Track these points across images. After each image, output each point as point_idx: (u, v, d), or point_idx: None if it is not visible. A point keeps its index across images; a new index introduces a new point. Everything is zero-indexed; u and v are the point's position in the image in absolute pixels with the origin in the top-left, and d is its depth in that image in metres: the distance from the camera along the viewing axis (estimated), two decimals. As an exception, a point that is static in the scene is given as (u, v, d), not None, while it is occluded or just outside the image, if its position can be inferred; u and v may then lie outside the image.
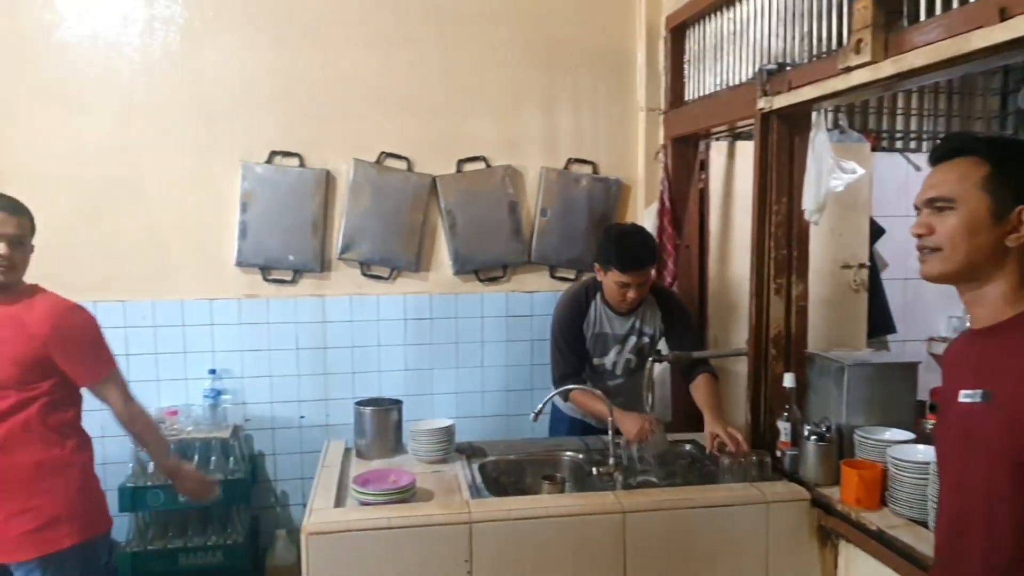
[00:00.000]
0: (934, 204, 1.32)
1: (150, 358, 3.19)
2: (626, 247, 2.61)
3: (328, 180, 3.27)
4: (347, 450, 2.69)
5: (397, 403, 2.70)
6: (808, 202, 2.32)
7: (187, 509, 3.01)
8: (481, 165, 3.39)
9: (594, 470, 2.43)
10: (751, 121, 2.66)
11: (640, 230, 2.80)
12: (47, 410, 2.10)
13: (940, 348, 3.92)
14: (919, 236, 1.34)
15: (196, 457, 3.03)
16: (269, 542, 3.30)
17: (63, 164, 3.09)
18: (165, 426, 3.05)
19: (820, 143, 2.26)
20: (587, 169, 3.48)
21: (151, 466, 2.99)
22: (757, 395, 2.55)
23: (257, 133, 3.21)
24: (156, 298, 3.19)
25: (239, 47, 3.18)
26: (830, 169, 2.20)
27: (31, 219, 2.14)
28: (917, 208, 1.36)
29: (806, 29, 2.40)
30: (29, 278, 2.16)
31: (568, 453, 2.67)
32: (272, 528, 3.32)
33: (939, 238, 1.30)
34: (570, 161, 3.46)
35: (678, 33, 3.34)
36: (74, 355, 2.12)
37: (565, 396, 2.75)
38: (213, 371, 3.20)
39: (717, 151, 3.27)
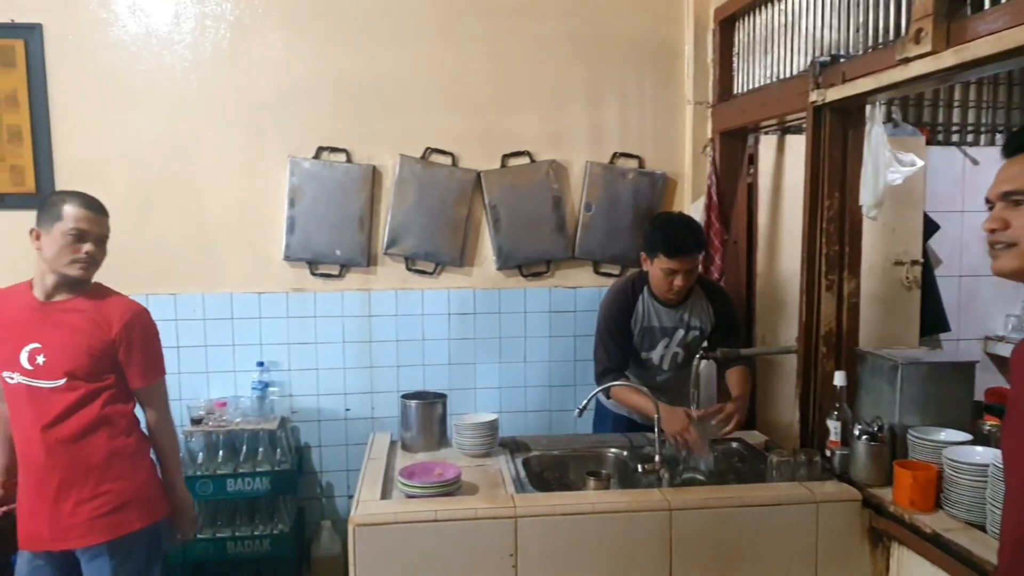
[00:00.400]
0: (1009, 198, 1.28)
1: (200, 350, 3.25)
2: (672, 232, 2.60)
3: (374, 176, 3.30)
4: (392, 443, 2.71)
5: (442, 397, 2.72)
6: (866, 197, 2.26)
7: (236, 499, 3.07)
8: (525, 160, 3.38)
9: (640, 467, 2.41)
10: (802, 114, 2.61)
11: (687, 217, 2.79)
12: (112, 401, 2.18)
13: (997, 347, 3.81)
14: (992, 231, 1.29)
15: (245, 448, 3.08)
16: (314, 532, 3.34)
17: (117, 159, 3.16)
18: (214, 417, 3.12)
19: (876, 136, 2.20)
20: (633, 163, 3.45)
21: (200, 456, 3.06)
22: (806, 393, 2.51)
23: (305, 129, 3.25)
24: (206, 291, 3.25)
25: (287, 43, 3.22)
26: (887, 162, 2.14)
27: (108, 218, 2.23)
28: (989, 202, 1.32)
29: (861, 19, 2.34)
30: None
31: (612, 450, 2.66)
32: (317, 519, 3.37)
33: (1015, 232, 1.26)
34: (616, 155, 3.43)
35: (727, 25, 3.29)
36: (134, 356, 2.19)
37: (609, 392, 2.73)
38: (261, 363, 3.25)
39: (766, 145, 3.22)
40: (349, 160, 3.28)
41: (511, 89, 3.36)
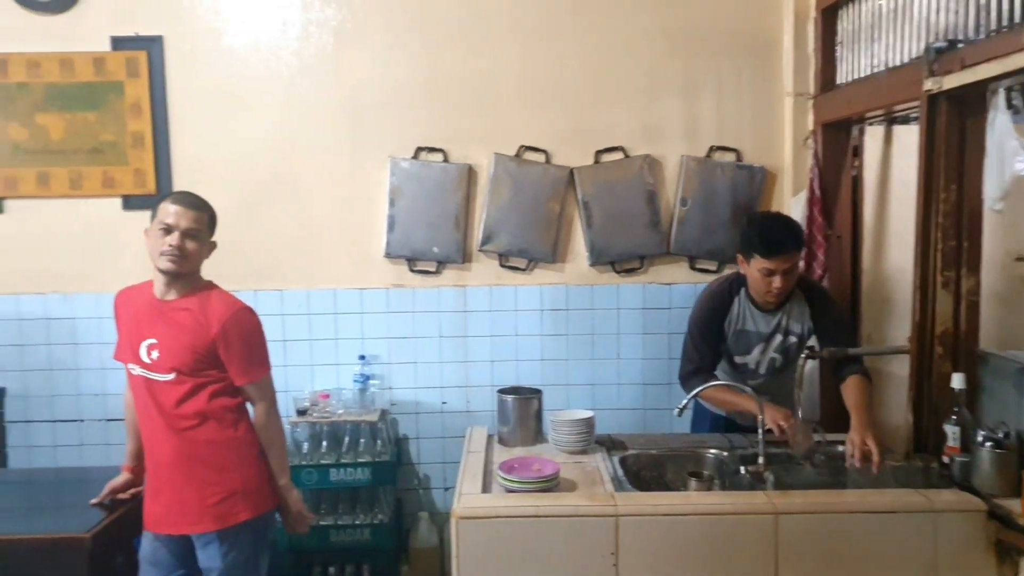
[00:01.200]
0: None
1: (305, 344, 3.38)
2: (769, 230, 2.52)
3: (470, 174, 3.34)
4: (489, 436, 2.75)
5: (537, 392, 2.73)
6: (990, 189, 2.15)
7: (338, 488, 3.17)
8: (619, 155, 3.36)
9: (743, 468, 2.37)
10: (914, 104, 2.50)
11: (784, 216, 2.71)
12: (219, 395, 2.25)
13: None
14: None
15: (347, 438, 3.18)
16: (412, 523, 3.43)
17: (228, 161, 3.32)
18: (318, 408, 3.23)
19: (1001, 124, 2.09)
20: (730, 157, 3.38)
21: (305, 446, 3.18)
22: (920, 396, 2.40)
23: (404, 130, 3.32)
24: (311, 287, 3.38)
25: (387, 47, 3.30)
26: (1014, 151, 2.03)
27: (211, 215, 2.29)
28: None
29: (982, 2, 2.22)
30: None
31: (712, 450, 2.61)
32: (415, 510, 3.45)
33: None
34: (712, 149, 3.37)
35: (829, 14, 3.18)
36: (234, 354, 2.23)
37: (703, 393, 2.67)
38: (362, 357, 3.36)
39: (872, 136, 3.10)
40: (446, 160, 3.34)
41: (605, 85, 3.34)
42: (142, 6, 3.25)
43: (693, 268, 3.43)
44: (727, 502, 2.13)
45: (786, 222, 2.61)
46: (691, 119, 3.37)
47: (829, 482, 2.36)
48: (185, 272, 2.24)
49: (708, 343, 2.68)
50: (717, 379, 2.64)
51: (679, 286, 3.42)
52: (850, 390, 2.52)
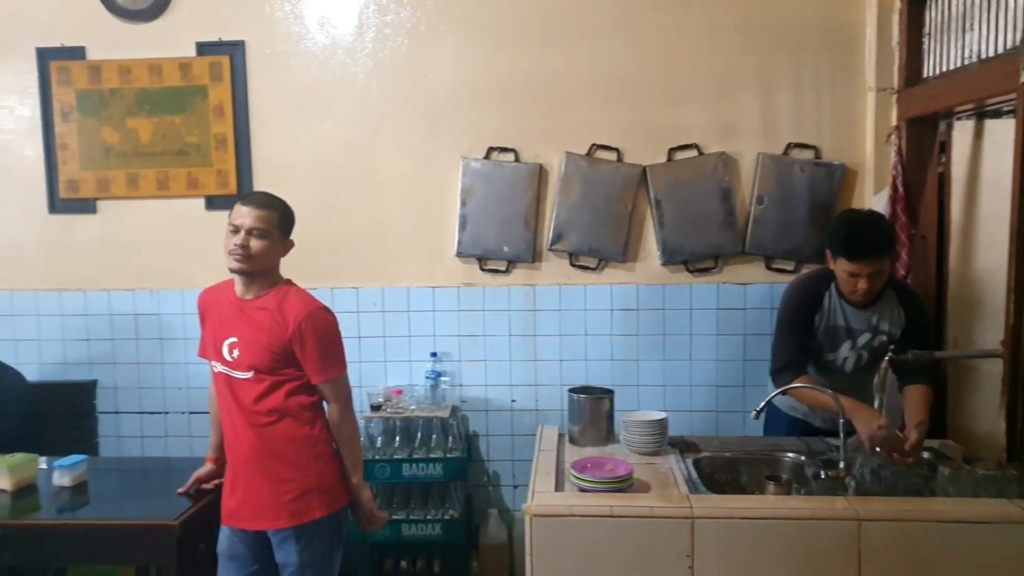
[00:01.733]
0: None
1: (379, 340, 3.45)
2: (854, 233, 2.44)
3: (541, 173, 3.35)
4: (560, 435, 2.75)
5: (609, 392, 2.72)
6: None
7: (411, 483, 3.22)
8: (693, 153, 3.31)
9: (822, 473, 2.30)
10: (1008, 97, 2.39)
11: (874, 216, 2.60)
12: (296, 393, 2.29)
13: None
14: None
15: (419, 434, 3.23)
16: (482, 520, 3.45)
17: (306, 161, 3.41)
18: (390, 404, 3.29)
19: (1105, 119, 1.98)
20: (808, 154, 3.29)
21: (378, 441, 3.23)
22: (1014, 402, 2.29)
23: (476, 130, 3.35)
24: (385, 285, 3.44)
25: (459, 48, 3.34)
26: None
27: (282, 215, 2.31)
28: None
29: (1086, -11, 2.11)
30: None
31: (789, 454, 2.56)
32: (484, 506, 3.48)
33: None
34: (790, 146, 3.29)
35: (916, 4, 3.07)
36: (309, 353, 2.26)
37: (788, 391, 2.61)
38: (434, 354, 3.40)
39: (961, 131, 2.97)
40: (517, 159, 3.35)
41: (678, 82, 3.30)
42: (226, 13, 3.37)
43: (769, 268, 3.35)
44: (807, 507, 2.07)
45: (873, 224, 2.49)
46: (768, 115, 3.30)
47: (914, 489, 2.28)
48: (255, 271, 2.26)
49: (798, 338, 2.60)
50: (809, 376, 2.56)
51: (755, 286, 3.35)
52: (914, 397, 2.46)
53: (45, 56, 3.41)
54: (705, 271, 3.38)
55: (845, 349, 2.61)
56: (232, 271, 2.27)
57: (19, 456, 2.72)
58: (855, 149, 3.28)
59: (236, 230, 2.24)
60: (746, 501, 2.17)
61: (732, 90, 3.29)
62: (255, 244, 2.23)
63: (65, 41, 3.41)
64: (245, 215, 2.25)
